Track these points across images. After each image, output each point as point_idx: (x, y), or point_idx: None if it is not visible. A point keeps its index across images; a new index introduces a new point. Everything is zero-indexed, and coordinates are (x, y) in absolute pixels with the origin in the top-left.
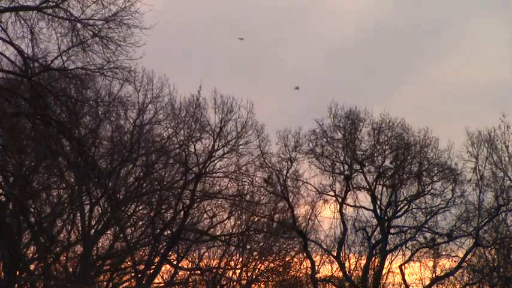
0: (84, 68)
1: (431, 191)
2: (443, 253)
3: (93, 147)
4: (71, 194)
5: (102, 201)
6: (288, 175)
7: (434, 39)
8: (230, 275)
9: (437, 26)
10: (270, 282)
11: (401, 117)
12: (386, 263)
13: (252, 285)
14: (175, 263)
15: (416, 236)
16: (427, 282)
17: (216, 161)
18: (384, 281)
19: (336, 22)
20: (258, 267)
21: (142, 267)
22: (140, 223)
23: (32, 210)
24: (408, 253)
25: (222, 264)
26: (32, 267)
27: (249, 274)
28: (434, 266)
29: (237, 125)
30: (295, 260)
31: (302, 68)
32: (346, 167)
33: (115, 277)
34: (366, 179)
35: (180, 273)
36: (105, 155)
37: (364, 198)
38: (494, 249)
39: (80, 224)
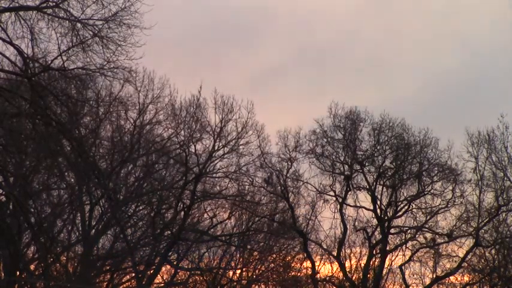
0: (84, 68)
1: (432, 191)
2: (444, 253)
3: (93, 148)
4: (71, 194)
5: (103, 201)
6: (288, 175)
7: None
8: (230, 275)
9: None
10: (270, 282)
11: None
12: (387, 263)
13: (252, 286)
14: (175, 263)
15: (417, 236)
16: (427, 282)
17: (216, 161)
18: (383, 281)
19: None
20: (258, 267)
21: (142, 267)
22: (140, 223)
23: (32, 210)
24: (408, 253)
25: (223, 264)
26: (32, 267)
27: (249, 274)
28: (435, 266)
29: (237, 125)
30: (295, 260)
31: None
32: (346, 167)
33: (115, 277)
34: (366, 179)
35: (180, 273)
36: (105, 155)
37: (364, 198)
38: (494, 249)
39: (80, 224)
